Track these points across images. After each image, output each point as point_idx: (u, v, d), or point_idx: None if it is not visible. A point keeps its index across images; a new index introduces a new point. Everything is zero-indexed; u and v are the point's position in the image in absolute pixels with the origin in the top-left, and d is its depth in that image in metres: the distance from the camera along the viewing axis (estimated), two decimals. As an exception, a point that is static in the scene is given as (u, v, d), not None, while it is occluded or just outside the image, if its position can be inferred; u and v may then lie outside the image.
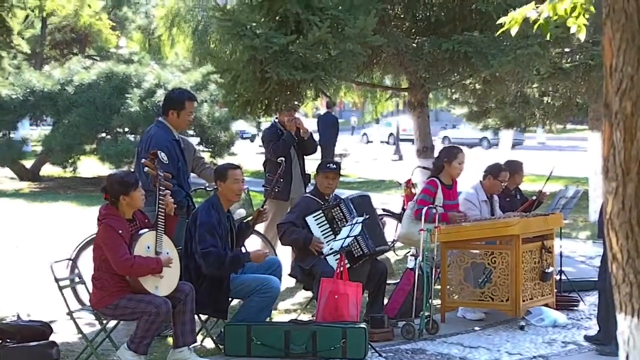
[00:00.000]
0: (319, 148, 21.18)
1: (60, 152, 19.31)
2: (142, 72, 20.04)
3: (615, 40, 2.98)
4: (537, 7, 3.77)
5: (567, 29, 4.53)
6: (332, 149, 20.59)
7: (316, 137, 11.29)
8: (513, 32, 3.91)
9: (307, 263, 7.34)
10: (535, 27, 3.78)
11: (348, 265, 7.13)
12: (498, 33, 4.24)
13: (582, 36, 3.90)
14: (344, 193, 8.83)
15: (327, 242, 7.33)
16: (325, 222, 7.45)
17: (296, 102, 9.00)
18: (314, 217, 7.45)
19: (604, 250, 6.68)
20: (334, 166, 7.77)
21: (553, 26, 3.97)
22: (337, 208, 7.48)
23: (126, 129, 19.70)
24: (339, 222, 7.42)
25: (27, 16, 29.73)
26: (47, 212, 15.53)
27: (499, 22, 4.23)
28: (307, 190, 8.72)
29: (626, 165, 2.92)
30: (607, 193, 2.98)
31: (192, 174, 8.16)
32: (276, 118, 9.30)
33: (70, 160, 19.80)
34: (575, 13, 3.69)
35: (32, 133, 25.64)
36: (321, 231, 7.42)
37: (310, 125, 11.84)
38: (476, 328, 7.51)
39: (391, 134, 41.17)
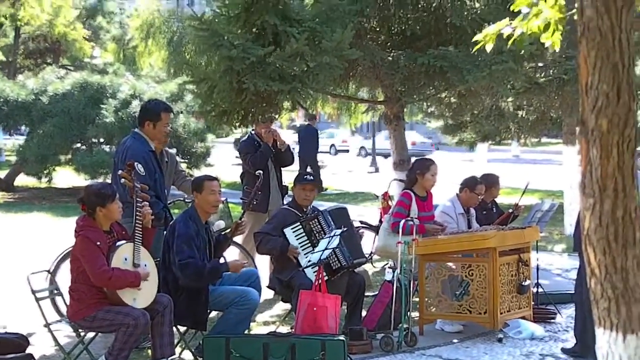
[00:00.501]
0: (297, 160, 21.53)
1: (34, 163, 19.15)
2: (117, 83, 19.95)
3: (590, 58, 3.03)
4: (511, 24, 3.81)
5: (541, 45, 4.57)
6: (313, 161, 20.72)
7: (297, 149, 11.34)
8: (488, 48, 3.95)
9: (285, 275, 7.35)
10: (511, 42, 3.83)
11: (326, 278, 7.15)
12: (474, 50, 4.29)
13: (557, 48, 3.97)
14: (322, 205, 8.84)
15: (305, 255, 7.35)
16: (304, 234, 7.47)
17: (273, 114, 9.01)
18: (292, 229, 7.46)
19: (580, 263, 6.75)
20: (312, 178, 7.81)
21: (528, 42, 4.02)
22: (315, 220, 7.51)
23: (101, 140, 19.61)
24: (317, 235, 7.44)
25: (0, 24, 29.54)
26: (21, 222, 15.41)
27: (474, 39, 4.28)
28: (285, 203, 8.73)
29: (603, 182, 2.96)
30: (584, 209, 3.02)
31: (172, 186, 8.15)
32: (253, 130, 9.31)
33: (45, 171, 19.64)
34: (550, 30, 3.75)
35: (5, 143, 25.43)
36: (299, 243, 7.44)
37: (287, 136, 11.86)
38: (454, 340, 7.54)
39: (332, 145, 43.61)
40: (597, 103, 2.98)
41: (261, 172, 8.04)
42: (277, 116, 9.35)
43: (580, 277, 6.73)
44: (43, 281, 7.39)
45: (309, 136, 20.86)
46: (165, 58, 21.44)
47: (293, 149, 10.19)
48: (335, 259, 7.37)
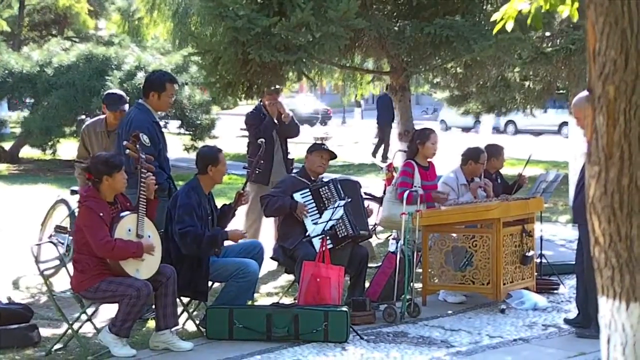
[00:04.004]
0: (376, 128, 22.34)
1: (39, 135, 19.13)
2: (122, 54, 19.87)
3: (598, 24, 2.99)
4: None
5: (549, 14, 4.50)
6: (388, 130, 21.42)
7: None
8: (509, 27, 3.89)
9: (290, 243, 7.33)
10: (529, 20, 3.77)
11: (331, 246, 7.14)
12: (495, 31, 4.20)
13: (575, 20, 3.90)
14: (327, 177, 8.82)
15: (312, 220, 7.33)
16: (312, 200, 7.46)
17: (278, 86, 8.96)
18: (301, 194, 7.46)
19: (580, 235, 6.75)
20: (328, 148, 7.82)
21: (544, 15, 3.96)
22: (325, 187, 7.50)
23: (106, 112, 19.55)
24: (326, 201, 7.42)
25: (5, -5, 29.41)
26: (27, 194, 15.42)
27: (492, 19, 4.21)
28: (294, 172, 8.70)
29: (608, 149, 2.93)
30: (589, 177, 2.99)
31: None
32: (261, 101, 9.26)
33: (49, 143, 19.62)
34: (568, 1, 3.68)
35: (10, 115, 25.39)
36: (307, 209, 7.42)
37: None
38: (457, 311, 7.54)
39: None
40: (604, 69, 2.94)
41: (263, 140, 7.98)
42: (282, 88, 9.30)
43: (580, 248, 6.73)
44: (47, 252, 7.44)
45: (384, 105, 21.84)
46: (170, 29, 21.40)
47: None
48: (342, 227, 7.36)
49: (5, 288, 8.08)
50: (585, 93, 5.22)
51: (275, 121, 9.04)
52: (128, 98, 8.08)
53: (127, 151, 6.54)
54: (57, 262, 7.33)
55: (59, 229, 8.44)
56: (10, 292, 7.98)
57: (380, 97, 22.93)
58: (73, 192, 8.68)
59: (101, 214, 6.04)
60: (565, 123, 31.31)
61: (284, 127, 9.11)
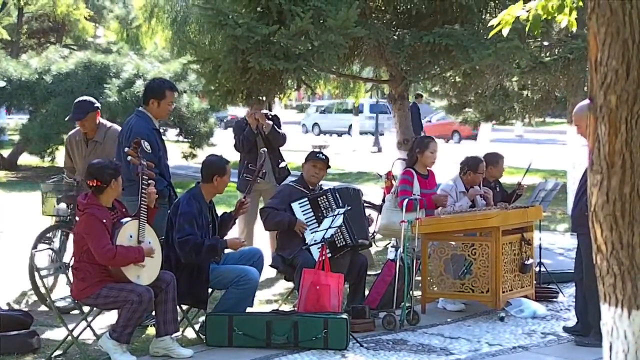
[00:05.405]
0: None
1: (37, 142, 19.15)
2: (120, 62, 19.90)
3: (600, 35, 3.02)
4: (525, 6, 3.77)
5: (547, 23, 4.54)
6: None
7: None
8: (505, 32, 3.92)
9: (288, 252, 7.35)
10: (527, 27, 3.80)
11: (329, 255, 7.16)
12: (490, 35, 4.24)
13: (573, 29, 3.94)
14: (326, 185, 8.84)
15: (311, 230, 7.35)
16: (310, 209, 7.47)
17: (259, 97, 8.91)
18: (299, 204, 7.47)
19: (578, 243, 6.77)
20: (324, 157, 7.81)
21: (543, 24, 4.00)
22: (324, 196, 7.51)
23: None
24: (324, 211, 7.43)
25: (4, 3, 29.44)
26: (25, 201, 15.42)
27: (490, 24, 4.24)
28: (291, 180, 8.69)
29: (610, 158, 2.96)
30: (591, 185, 3.02)
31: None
32: None
33: (48, 150, 19.65)
34: (566, 10, 3.72)
35: (8, 122, 25.43)
36: (305, 219, 7.43)
37: (287, 116, 11.78)
38: (456, 319, 7.55)
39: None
40: (606, 79, 2.97)
41: (265, 150, 7.99)
42: (263, 101, 9.25)
43: (579, 257, 6.75)
44: (46, 259, 7.44)
45: (412, 114, 21.65)
46: (169, 37, 21.46)
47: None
48: (341, 236, 7.38)
49: (5, 294, 8.08)
50: (586, 101, 5.27)
51: (255, 131, 8.99)
52: (97, 105, 7.92)
53: (129, 158, 6.55)
54: (57, 269, 7.32)
55: (44, 238, 8.41)
56: (9, 298, 7.99)
57: (410, 107, 22.96)
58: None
59: (104, 221, 6.05)
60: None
61: (267, 137, 9.03)
